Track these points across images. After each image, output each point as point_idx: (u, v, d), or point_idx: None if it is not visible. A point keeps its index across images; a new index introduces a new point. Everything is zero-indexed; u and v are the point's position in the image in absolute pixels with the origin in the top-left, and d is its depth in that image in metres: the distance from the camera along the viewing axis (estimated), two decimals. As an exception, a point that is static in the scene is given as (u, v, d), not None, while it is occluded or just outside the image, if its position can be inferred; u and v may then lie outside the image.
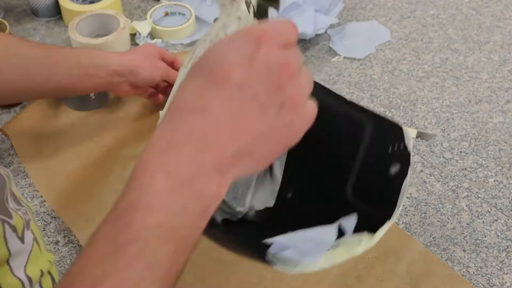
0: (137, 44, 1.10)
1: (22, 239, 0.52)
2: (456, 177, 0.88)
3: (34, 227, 0.57)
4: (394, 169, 0.57)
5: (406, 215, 0.83)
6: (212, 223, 0.41)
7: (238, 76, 0.36)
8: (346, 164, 0.54)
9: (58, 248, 0.79)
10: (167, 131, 0.37)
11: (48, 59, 0.77)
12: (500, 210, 0.84)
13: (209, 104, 0.36)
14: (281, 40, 0.37)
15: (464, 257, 0.79)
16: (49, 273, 0.57)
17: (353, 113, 0.62)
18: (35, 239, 0.56)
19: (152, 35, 1.12)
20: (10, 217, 0.49)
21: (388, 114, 0.98)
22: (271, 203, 0.60)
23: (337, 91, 1.02)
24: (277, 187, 0.61)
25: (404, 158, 0.56)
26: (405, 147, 0.58)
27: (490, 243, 0.80)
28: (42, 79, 0.77)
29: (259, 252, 0.48)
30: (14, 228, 0.50)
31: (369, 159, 0.60)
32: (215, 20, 1.15)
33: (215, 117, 0.36)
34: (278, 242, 0.48)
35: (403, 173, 0.57)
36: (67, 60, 0.78)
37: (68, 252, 0.79)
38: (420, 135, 0.94)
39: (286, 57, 0.37)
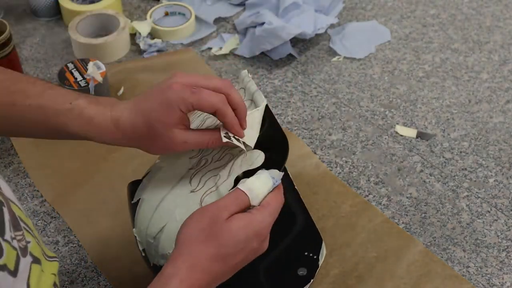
0: (137, 44, 1.10)
1: (14, 272, 0.48)
2: (456, 177, 0.88)
3: (34, 246, 0.53)
4: (301, 272, 0.71)
5: (406, 215, 0.83)
6: None
7: (239, 258, 0.57)
8: (269, 247, 0.60)
9: (58, 248, 0.79)
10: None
11: (9, 111, 0.64)
12: (500, 210, 0.84)
13: (214, 268, 0.56)
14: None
15: (464, 257, 0.79)
16: (55, 284, 0.55)
17: (292, 206, 0.77)
18: (34, 261, 0.52)
19: (152, 35, 1.12)
20: (1, 254, 0.46)
21: (388, 114, 0.98)
22: None
23: (337, 91, 1.02)
24: None
25: (312, 266, 0.69)
26: (317, 259, 0.72)
27: (490, 243, 0.80)
28: (39, 133, 0.68)
29: None
30: (3, 267, 0.46)
31: (287, 253, 0.73)
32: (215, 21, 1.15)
33: (215, 275, 0.56)
34: None
35: (308, 277, 0.71)
36: (31, 117, 0.65)
37: (68, 252, 0.79)
38: (420, 135, 0.94)
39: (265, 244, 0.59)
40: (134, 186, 0.69)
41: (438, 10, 1.20)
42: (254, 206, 0.58)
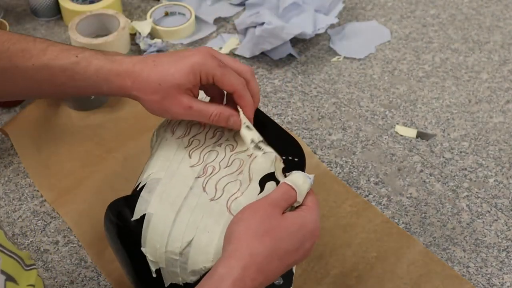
0: (137, 44, 1.10)
1: None
2: (456, 177, 0.88)
3: (5, 262, 0.49)
4: (278, 281, 0.64)
5: (406, 215, 0.83)
6: None
7: (294, 257, 0.56)
8: None
9: (58, 248, 0.79)
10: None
11: (50, 76, 0.63)
12: (500, 210, 0.84)
13: (270, 266, 0.54)
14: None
15: (464, 257, 0.79)
16: None
17: None
18: (8, 278, 0.48)
19: (152, 35, 1.12)
20: None
21: (388, 114, 0.98)
22: None
23: (337, 91, 1.02)
24: None
25: (288, 276, 0.64)
26: (291, 271, 0.65)
27: (490, 243, 0.80)
28: (45, 92, 0.67)
29: None
30: None
31: None
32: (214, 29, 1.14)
33: (270, 274, 0.54)
34: None
35: (287, 285, 0.65)
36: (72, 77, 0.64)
37: (68, 252, 0.79)
38: (420, 135, 0.94)
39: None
40: (121, 204, 0.64)
41: (438, 10, 1.20)
42: (298, 202, 0.58)
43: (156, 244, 0.60)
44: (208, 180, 0.62)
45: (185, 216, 0.60)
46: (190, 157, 0.64)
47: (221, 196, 0.61)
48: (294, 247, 0.55)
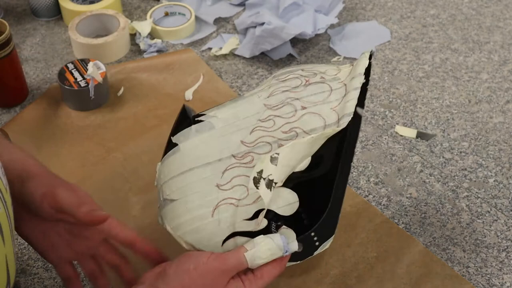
0: (137, 44, 1.10)
1: None
2: (456, 177, 0.88)
3: (3, 216, 0.50)
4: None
5: (406, 215, 0.83)
6: None
7: None
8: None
9: (58, 248, 0.79)
10: None
11: None
12: (500, 210, 0.84)
13: None
14: None
15: (464, 257, 0.79)
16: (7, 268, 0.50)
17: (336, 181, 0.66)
18: None
19: (152, 35, 1.12)
20: None
21: (388, 114, 0.98)
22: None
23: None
24: None
25: (310, 248, 0.62)
26: (317, 246, 0.62)
27: (490, 243, 0.80)
28: None
29: None
30: None
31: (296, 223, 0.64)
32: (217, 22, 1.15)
33: None
34: None
35: (306, 253, 0.63)
36: None
37: (68, 252, 0.79)
38: (420, 135, 0.94)
39: None
40: (185, 114, 0.66)
41: (438, 10, 1.20)
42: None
43: (162, 174, 0.64)
44: (233, 168, 0.62)
45: (190, 177, 0.62)
46: (249, 133, 0.63)
47: (226, 190, 0.61)
48: None
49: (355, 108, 0.61)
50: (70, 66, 0.97)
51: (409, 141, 0.94)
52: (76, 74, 0.96)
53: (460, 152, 0.92)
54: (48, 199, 0.58)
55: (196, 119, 0.66)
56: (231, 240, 0.59)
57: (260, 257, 0.57)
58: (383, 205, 0.84)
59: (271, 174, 0.58)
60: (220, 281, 0.56)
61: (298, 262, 0.62)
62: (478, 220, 0.83)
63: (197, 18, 1.15)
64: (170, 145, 0.65)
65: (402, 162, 0.90)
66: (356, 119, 0.61)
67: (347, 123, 0.60)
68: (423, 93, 1.02)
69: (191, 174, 0.62)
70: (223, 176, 0.61)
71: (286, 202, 0.60)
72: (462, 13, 1.19)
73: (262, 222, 0.59)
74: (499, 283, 0.76)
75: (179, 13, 1.17)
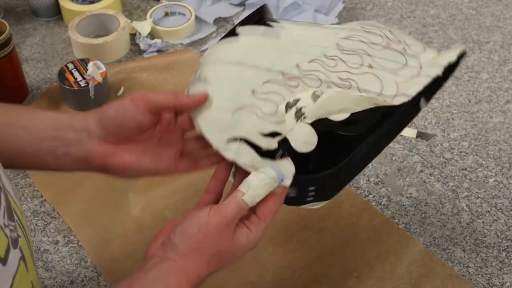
0: (137, 44, 1.10)
1: (4, 261, 0.45)
2: (456, 177, 0.88)
3: (24, 243, 0.50)
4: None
5: (406, 215, 0.83)
6: None
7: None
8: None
9: (58, 248, 0.79)
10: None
11: None
12: (500, 210, 0.84)
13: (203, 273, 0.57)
14: None
15: (464, 257, 0.79)
16: None
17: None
18: (22, 258, 0.49)
19: (152, 35, 1.12)
20: None
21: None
22: None
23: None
24: None
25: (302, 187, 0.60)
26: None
27: (490, 243, 0.80)
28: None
29: None
30: None
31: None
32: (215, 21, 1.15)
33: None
34: None
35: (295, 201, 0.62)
36: None
37: (68, 252, 0.79)
38: (420, 135, 0.94)
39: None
40: (261, 13, 0.65)
41: (438, 10, 1.20)
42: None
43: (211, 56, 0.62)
44: (275, 83, 0.60)
45: (235, 70, 0.60)
46: (308, 62, 0.62)
47: (256, 101, 0.59)
48: (234, 262, 0.58)
49: (418, 96, 0.59)
50: (70, 66, 0.97)
51: (409, 141, 0.93)
52: (76, 74, 0.96)
53: (460, 152, 0.92)
54: (143, 103, 0.56)
55: (268, 22, 0.64)
56: (236, 143, 0.58)
57: (259, 194, 0.56)
58: (383, 205, 0.84)
59: (305, 107, 0.58)
60: (227, 233, 0.56)
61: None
62: (478, 220, 0.83)
63: (197, 18, 1.15)
64: (232, 33, 0.63)
65: (402, 162, 0.90)
66: (413, 107, 0.60)
67: (400, 102, 0.58)
68: (423, 93, 1.02)
69: (235, 68, 0.60)
70: (262, 86, 0.60)
71: (305, 139, 0.58)
72: (462, 13, 1.19)
73: (272, 144, 0.58)
74: (499, 283, 0.76)
75: (179, 13, 1.17)
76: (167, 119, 0.60)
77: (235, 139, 0.58)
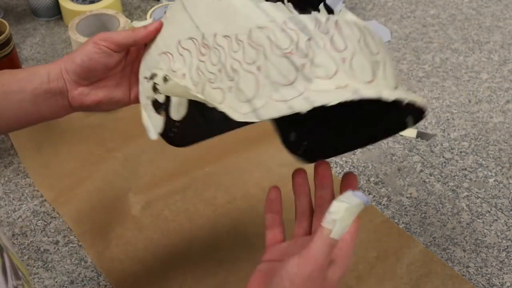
0: (137, 44, 1.10)
1: None
2: (456, 177, 0.88)
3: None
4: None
5: (406, 215, 0.83)
6: None
7: None
8: None
9: (58, 248, 0.79)
10: None
11: None
12: (500, 210, 0.84)
13: None
14: None
15: (464, 257, 0.79)
16: None
17: None
18: None
19: (152, 35, 1.12)
20: None
21: (388, 114, 0.98)
22: None
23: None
24: None
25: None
26: None
27: (490, 243, 0.80)
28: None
29: None
30: None
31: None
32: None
33: None
34: None
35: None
36: None
37: (68, 252, 0.79)
38: (420, 135, 0.94)
39: None
40: None
41: (438, 10, 1.20)
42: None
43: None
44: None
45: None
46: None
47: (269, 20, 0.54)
48: None
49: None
50: (70, 66, 0.97)
51: (409, 141, 0.94)
52: (76, 74, 0.96)
53: (460, 152, 0.92)
54: (105, 45, 0.59)
55: None
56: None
57: (346, 225, 0.51)
58: (383, 205, 0.84)
59: (158, 84, 0.58)
60: (319, 281, 0.51)
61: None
62: (478, 220, 0.83)
63: (197, 18, 1.15)
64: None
65: (402, 162, 0.90)
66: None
67: (242, 120, 0.52)
68: (423, 93, 1.02)
69: (183, 14, 0.59)
70: (186, 40, 0.57)
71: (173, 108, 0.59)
72: (462, 13, 1.19)
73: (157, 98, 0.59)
74: (499, 283, 0.76)
75: (179, 13, 1.17)
76: (136, 49, 0.62)
77: (145, 78, 0.58)
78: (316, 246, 0.50)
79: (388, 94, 0.50)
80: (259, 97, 0.52)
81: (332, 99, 0.48)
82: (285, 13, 0.54)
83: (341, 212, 0.50)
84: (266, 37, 0.53)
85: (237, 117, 0.52)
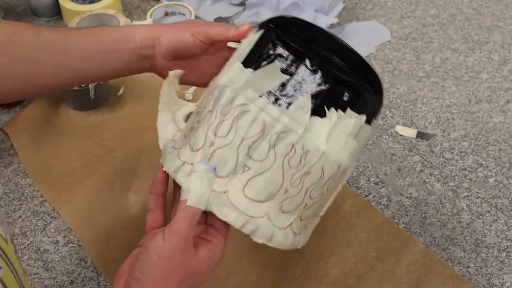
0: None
1: None
2: (456, 177, 0.88)
3: (6, 273, 0.47)
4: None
5: (406, 215, 0.83)
6: None
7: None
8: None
9: (58, 248, 0.79)
10: None
11: (59, 43, 0.65)
12: (500, 210, 0.84)
13: None
14: None
15: (464, 257, 0.79)
16: None
17: None
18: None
19: (152, 35, 1.12)
20: None
21: (388, 114, 0.98)
22: None
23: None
24: None
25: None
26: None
27: (490, 243, 0.80)
28: (53, 68, 0.65)
29: None
30: None
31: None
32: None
33: None
34: None
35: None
36: (81, 40, 0.65)
37: (68, 252, 0.79)
38: (420, 135, 0.94)
39: None
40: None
41: (438, 10, 1.20)
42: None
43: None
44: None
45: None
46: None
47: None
48: (205, 279, 0.55)
49: None
50: (70, 66, 0.97)
51: (409, 141, 0.94)
52: (76, 74, 0.96)
53: (460, 152, 0.92)
54: (200, 38, 0.66)
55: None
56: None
57: (202, 193, 0.53)
58: (383, 205, 0.84)
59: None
60: (189, 253, 0.53)
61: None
62: (478, 220, 0.83)
63: (197, 18, 1.15)
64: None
65: (402, 162, 0.90)
66: None
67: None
68: (423, 93, 1.02)
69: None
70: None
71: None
72: (462, 13, 1.19)
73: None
74: (499, 283, 0.76)
75: (179, 13, 1.17)
76: (219, 44, 0.69)
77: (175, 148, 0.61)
78: (178, 218, 0.52)
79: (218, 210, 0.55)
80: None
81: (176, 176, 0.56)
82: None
83: (192, 181, 0.53)
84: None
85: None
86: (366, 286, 0.75)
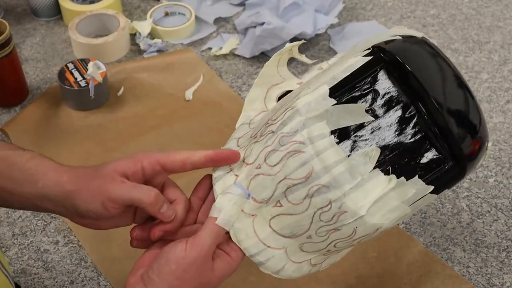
0: (137, 44, 1.10)
1: None
2: (456, 177, 0.88)
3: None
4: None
5: (406, 215, 0.83)
6: None
7: None
8: None
9: (58, 248, 0.79)
10: None
11: None
12: (500, 210, 0.84)
13: None
14: None
15: (464, 257, 0.79)
16: None
17: None
18: None
19: (152, 35, 1.12)
20: None
21: (388, 114, 0.98)
22: None
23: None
24: None
25: None
26: None
27: (490, 243, 0.80)
28: None
29: None
30: None
31: None
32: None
33: None
34: None
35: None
36: None
37: (68, 252, 0.79)
38: (420, 135, 0.94)
39: None
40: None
41: (438, 10, 1.20)
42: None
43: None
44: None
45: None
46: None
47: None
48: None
49: None
50: (70, 66, 0.97)
51: (409, 141, 0.93)
52: (76, 74, 0.96)
53: (460, 152, 0.92)
54: (110, 203, 0.58)
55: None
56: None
57: (231, 215, 0.54)
58: (383, 205, 0.84)
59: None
60: (206, 266, 0.54)
61: None
62: (478, 220, 0.83)
63: (197, 18, 1.15)
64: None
65: (402, 162, 0.90)
66: None
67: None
68: (423, 93, 1.02)
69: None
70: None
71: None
72: (462, 13, 1.19)
73: None
74: (499, 283, 0.76)
75: (179, 13, 1.17)
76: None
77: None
78: (203, 233, 0.54)
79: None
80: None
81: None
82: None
83: (225, 202, 0.54)
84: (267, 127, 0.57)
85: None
86: (366, 286, 0.75)
